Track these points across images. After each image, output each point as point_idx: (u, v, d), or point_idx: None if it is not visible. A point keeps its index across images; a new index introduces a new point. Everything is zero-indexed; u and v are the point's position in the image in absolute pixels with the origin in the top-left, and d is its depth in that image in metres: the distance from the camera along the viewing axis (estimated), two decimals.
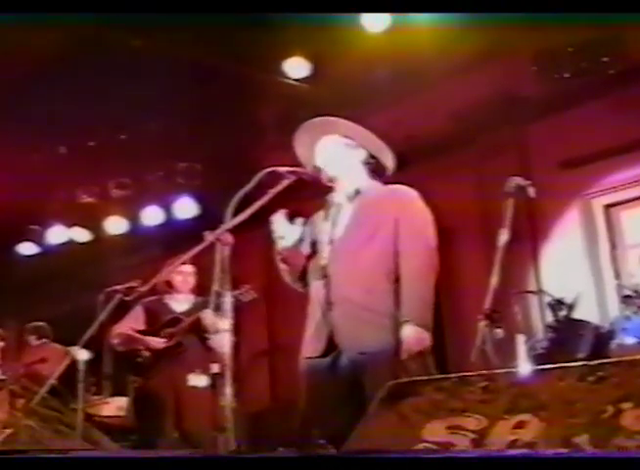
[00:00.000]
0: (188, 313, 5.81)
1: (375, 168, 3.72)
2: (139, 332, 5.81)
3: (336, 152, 3.66)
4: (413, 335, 3.26)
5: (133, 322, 5.83)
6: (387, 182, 3.72)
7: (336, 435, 2.62)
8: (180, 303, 5.93)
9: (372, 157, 3.71)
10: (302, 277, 3.64)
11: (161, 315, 5.86)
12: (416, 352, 3.25)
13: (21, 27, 5.23)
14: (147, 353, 5.70)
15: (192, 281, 5.97)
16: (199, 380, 5.59)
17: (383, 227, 3.48)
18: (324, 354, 3.41)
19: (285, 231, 3.52)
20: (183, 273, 5.91)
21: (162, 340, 5.71)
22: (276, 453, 2.15)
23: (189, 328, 5.70)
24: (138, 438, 5.92)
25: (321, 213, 3.72)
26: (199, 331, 5.65)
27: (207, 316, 5.47)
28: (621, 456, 1.83)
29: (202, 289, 5.89)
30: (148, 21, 5.31)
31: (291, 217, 3.54)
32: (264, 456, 2.12)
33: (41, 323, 8.10)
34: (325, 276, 3.46)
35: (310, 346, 3.49)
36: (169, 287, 5.92)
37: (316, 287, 3.52)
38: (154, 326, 5.81)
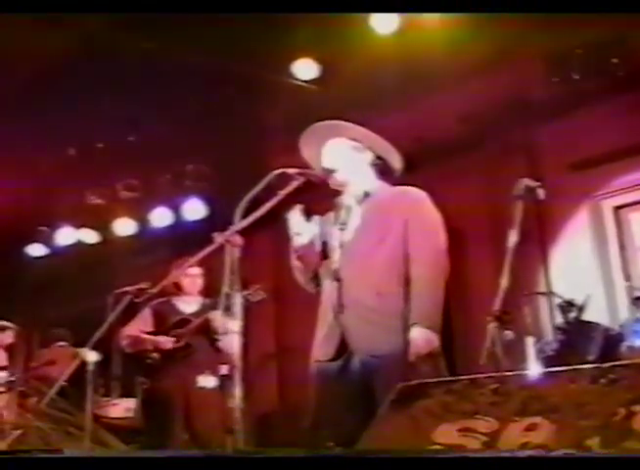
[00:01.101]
0: (197, 315, 5.81)
1: (383, 170, 3.71)
2: (148, 334, 5.82)
3: (343, 154, 3.66)
4: (421, 337, 3.26)
5: (142, 324, 5.84)
6: (396, 184, 3.72)
7: (346, 437, 2.61)
8: (189, 304, 5.94)
9: (379, 158, 3.71)
10: (315, 277, 3.63)
11: (170, 317, 5.86)
12: (424, 354, 3.25)
13: (30, 28, 5.25)
14: (156, 355, 5.71)
15: (200, 283, 5.97)
16: (207, 381, 5.59)
17: (392, 230, 3.47)
18: (335, 357, 3.41)
19: (302, 228, 3.52)
20: (190, 275, 5.91)
21: (171, 339, 5.72)
22: (285, 453, 2.14)
23: (197, 330, 5.70)
24: (147, 439, 5.92)
25: (331, 216, 3.71)
26: (207, 332, 5.65)
27: (216, 317, 5.48)
28: (633, 458, 1.82)
29: (210, 290, 5.90)
30: (158, 22, 5.32)
31: (306, 215, 3.55)
32: (273, 457, 2.11)
33: (61, 329, 8.19)
34: (337, 279, 3.46)
35: (321, 349, 3.48)
36: (177, 289, 5.92)
37: (328, 289, 3.52)
38: (162, 328, 5.82)
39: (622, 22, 5.24)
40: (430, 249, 3.43)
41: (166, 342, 5.71)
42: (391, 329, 3.31)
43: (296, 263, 3.65)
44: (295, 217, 3.53)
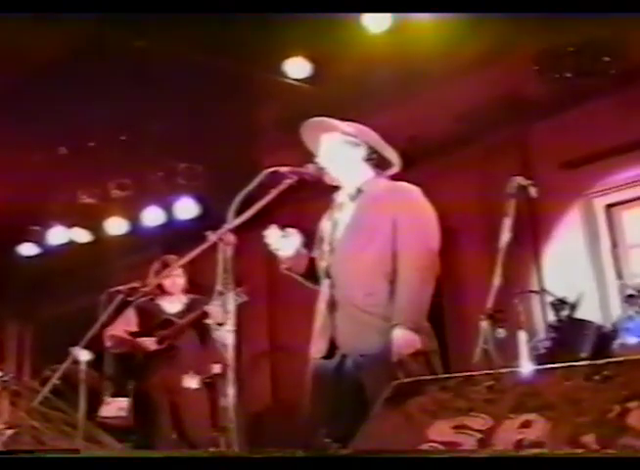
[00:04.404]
0: (180, 314, 5.84)
1: (378, 163, 3.68)
2: (131, 334, 5.83)
3: (337, 150, 3.64)
4: (403, 338, 3.22)
5: (125, 324, 5.85)
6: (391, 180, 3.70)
7: (341, 435, 2.61)
8: (172, 303, 5.96)
9: (374, 152, 3.67)
10: (317, 279, 3.63)
11: (154, 316, 5.88)
12: (406, 355, 3.23)
13: (21, 27, 5.22)
14: (140, 356, 5.73)
15: (181, 282, 6.00)
16: (192, 382, 5.62)
17: (381, 227, 3.44)
18: (327, 355, 3.41)
19: (280, 243, 3.53)
20: (170, 276, 5.91)
21: (154, 340, 5.73)
22: (281, 453, 2.13)
23: (191, 323, 5.73)
24: (138, 438, 5.93)
25: (328, 213, 3.72)
26: (200, 326, 5.69)
27: (213, 309, 5.50)
28: (628, 456, 1.83)
29: (194, 287, 5.94)
30: (149, 21, 5.30)
31: (282, 228, 3.56)
32: (272, 457, 2.11)
33: None
34: (328, 277, 3.47)
35: (315, 346, 3.49)
36: (160, 290, 5.94)
37: (323, 286, 3.52)
38: (146, 328, 5.83)
39: (615, 20, 5.24)
40: (417, 247, 3.37)
41: (150, 343, 5.72)
42: (378, 329, 3.30)
43: (290, 274, 3.68)
44: (271, 235, 3.55)
